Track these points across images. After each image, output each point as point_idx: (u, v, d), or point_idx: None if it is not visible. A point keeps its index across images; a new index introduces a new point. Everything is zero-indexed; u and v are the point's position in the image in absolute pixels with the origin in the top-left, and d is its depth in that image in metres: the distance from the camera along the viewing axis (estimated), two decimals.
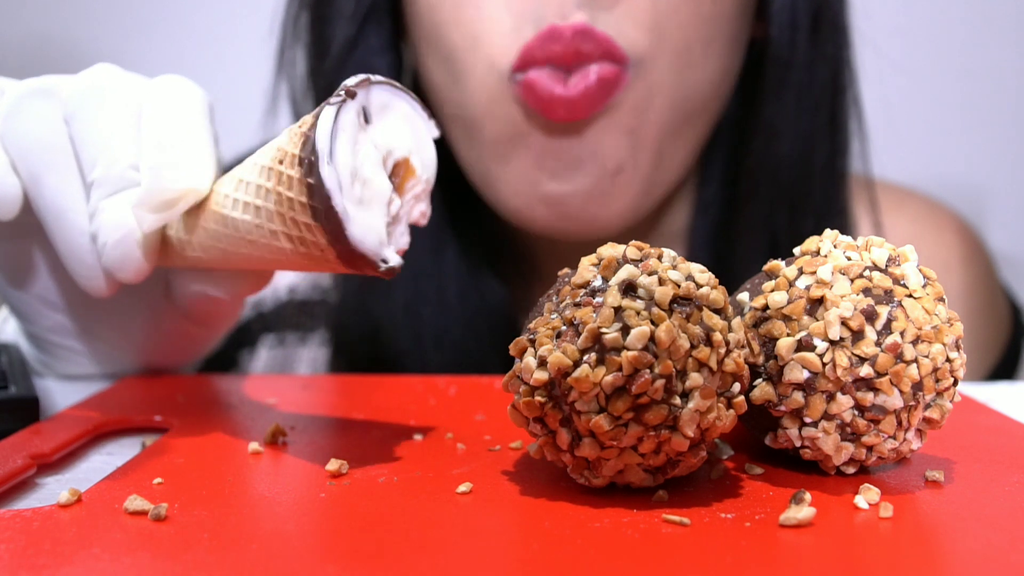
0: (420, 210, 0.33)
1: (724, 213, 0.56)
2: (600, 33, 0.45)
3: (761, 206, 0.54)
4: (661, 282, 0.26)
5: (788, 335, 0.28)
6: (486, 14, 0.47)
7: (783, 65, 0.52)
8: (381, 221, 0.30)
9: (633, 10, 0.46)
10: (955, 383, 0.28)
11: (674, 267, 0.27)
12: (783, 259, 0.30)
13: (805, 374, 0.27)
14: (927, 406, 0.28)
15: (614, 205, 0.49)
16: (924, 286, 0.28)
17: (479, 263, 0.57)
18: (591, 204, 0.49)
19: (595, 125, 0.47)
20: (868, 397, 0.27)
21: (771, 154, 0.53)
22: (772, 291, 0.29)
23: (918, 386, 0.27)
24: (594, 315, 0.25)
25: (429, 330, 0.56)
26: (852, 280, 0.28)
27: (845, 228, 0.55)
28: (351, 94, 0.30)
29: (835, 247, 0.29)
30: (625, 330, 0.25)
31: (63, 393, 0.42)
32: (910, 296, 0.28)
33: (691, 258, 0.56)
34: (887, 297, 0.28)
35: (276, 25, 0.57)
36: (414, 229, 0.34)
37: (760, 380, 0.28)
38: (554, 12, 0.46)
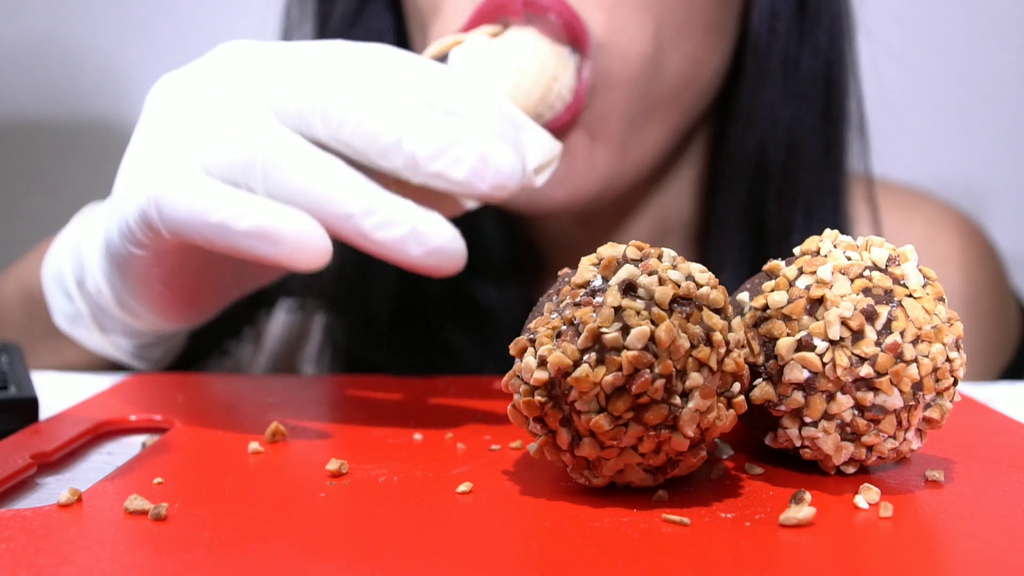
0: None
1: (710, 201, 0.56)
2: None
3: (739, 192, 0.53)
4: (661, 282, 0.26)
5: (788, 335, 0.28)
6: None
7: (763, 51, 0.51)
8: None
9: None
10: (955, 383, 0.28)
11: (674, 267, 0.27)
12: (781, 257, 0.30)
13: (805, 374, 0.27)
14: (927, 406, 0.28)
15: (568, 187, 0.47)
16: (924, 286, 0.28)
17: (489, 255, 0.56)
18: (543, 192, 0.47)
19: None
20: (868, 397, 0.27)
21: (750, 141, 0.52)
22: (772, 291, 0.29)
23: (918, 386, 0.27)
24: (594, 315, 0.25)
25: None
26: (852, 280, 0.28)
27: (840, 224, 0.55)
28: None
29: (835, 247, 0.29)
30: (625, 330, 0.25)
31: (63, 393, 0.42)
32: (910, 296, 0.28)
33: (695, 251, 0.56)
34: (887, 297, 0.28)
35: (276, 18, 0.57)
36: None
37: (760, 380, 0.28)
38: None
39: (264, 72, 0.36)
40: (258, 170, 0.34)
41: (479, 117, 0.35)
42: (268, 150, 0.34)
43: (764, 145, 0.53)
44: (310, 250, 0.34)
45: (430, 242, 0.34)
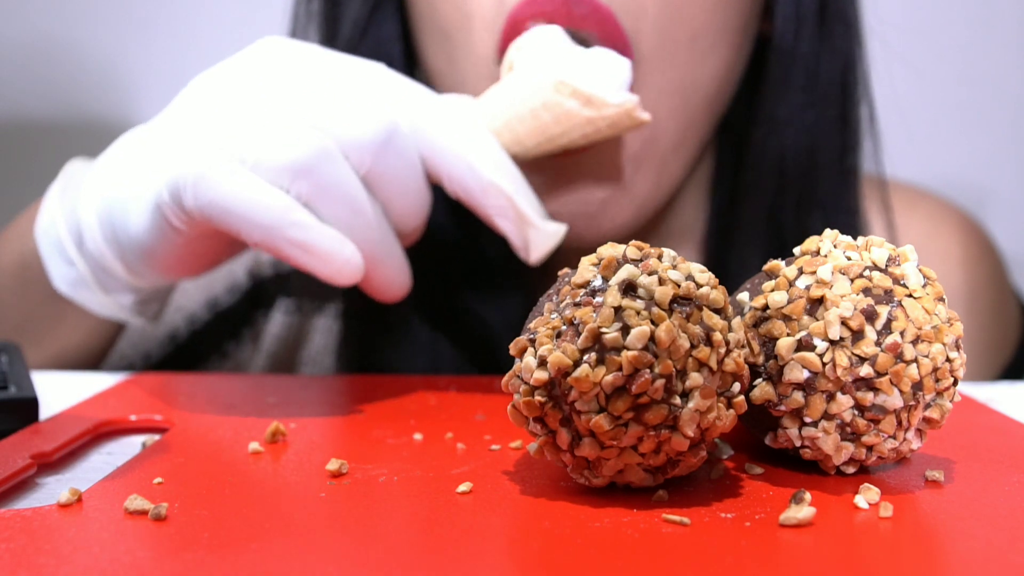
0: None
1: (728, 207, 0.55)
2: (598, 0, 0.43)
3: (763, 200, 0.53)
4: (661, 282, 0.26)
5: (788, 335, 0.28)
6: None
7: (787, 57, 0.51)
8: None
9: None
10: (955, 383, 0.28)
11: (674, 267, 0.27)
12: (784, 258, 0.30)
13: (805, 374, 0.27)
14: (927, 406, 0.28)
15: (603, 226, 0.47)
16: (924, 286, 0.28)
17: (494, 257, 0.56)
18: (577, 224, 0.47)
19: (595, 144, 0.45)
20: (868, 397, 0.27)
21: (772, 147, 0.52)
22: (772, 291, 0.29)
23: (918, 386, 0.27)
24: (594, 315, 0.25)
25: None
26: (852, 280, 0.28)
27: (855, 227, 0.54)
28: None
29: (835, 247, 0.29)
30: (625, 330, 0.25)
31: (63, 393, 0.42)
32: (910, 296, 0.28)
33: (704, 255, 0.56)
34: (887, 297, 0.28)
35: (284, 18, 0.56)
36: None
37: (760, 380, 0.28)
38: None
39: (310, 79, 0.37)
40: (296, 174, 0.35)
41: (491, 208, 0.39)
42: (311, 158, 0.35)
43: (785, 151, 0.52)
44: (351, 272, 0.37)
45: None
